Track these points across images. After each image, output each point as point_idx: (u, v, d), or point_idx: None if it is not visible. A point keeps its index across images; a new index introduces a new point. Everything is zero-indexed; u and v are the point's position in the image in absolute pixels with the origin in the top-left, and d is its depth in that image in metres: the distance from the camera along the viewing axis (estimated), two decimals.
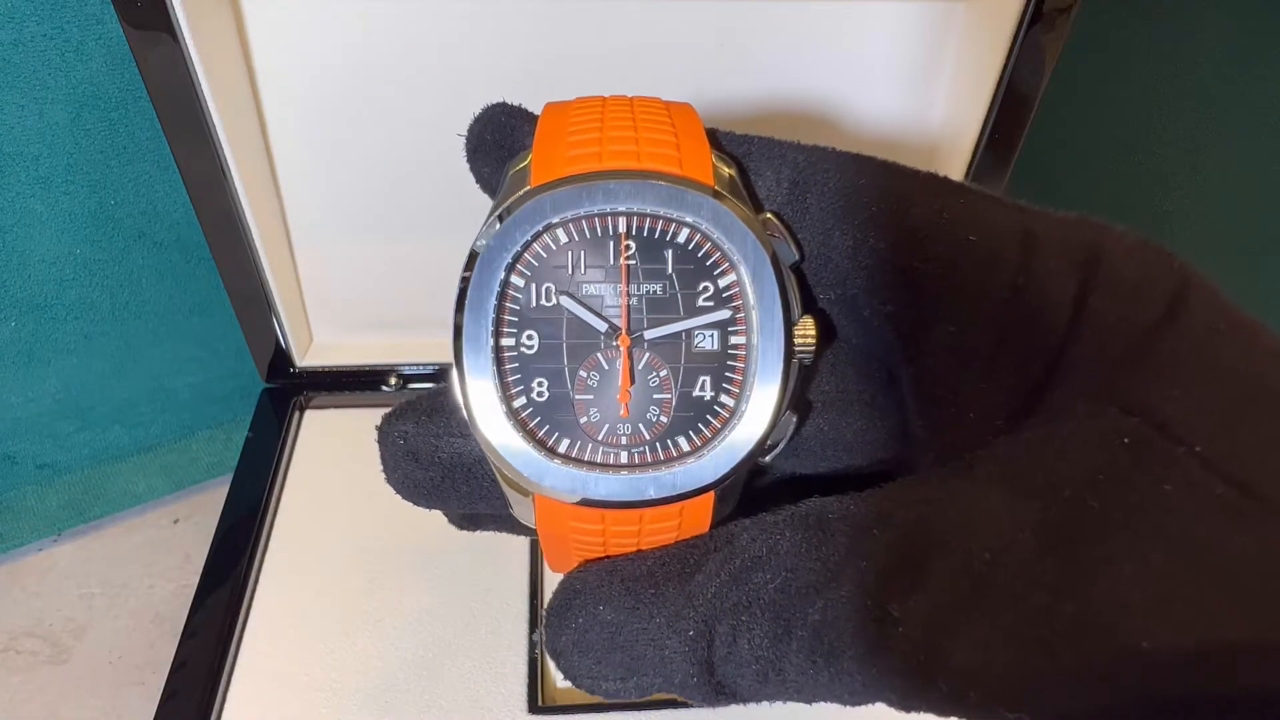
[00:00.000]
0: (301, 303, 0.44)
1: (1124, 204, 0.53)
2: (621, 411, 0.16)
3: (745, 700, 0.16)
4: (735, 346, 0.16)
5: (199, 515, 0.51)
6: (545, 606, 0.17)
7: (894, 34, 0.36)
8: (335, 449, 0.43)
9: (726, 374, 0.16)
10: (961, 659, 0.13)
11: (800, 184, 0.17)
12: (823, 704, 0.16)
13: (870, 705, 0.15)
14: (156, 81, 0.33)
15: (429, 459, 0.18)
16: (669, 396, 0.16)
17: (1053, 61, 0.35)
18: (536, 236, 0.16)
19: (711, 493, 0.16)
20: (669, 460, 0.16)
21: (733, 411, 0.16)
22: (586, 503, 0.16)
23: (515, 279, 0.16)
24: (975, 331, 0.16)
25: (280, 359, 0.44)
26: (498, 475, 0.17)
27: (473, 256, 0.16)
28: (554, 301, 0.16)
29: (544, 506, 0.16)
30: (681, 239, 0.16)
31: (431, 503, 0.19)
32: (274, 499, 0.40)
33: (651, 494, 0.16)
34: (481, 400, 0.16)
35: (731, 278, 0.16)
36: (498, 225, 0.16)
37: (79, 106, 0.37)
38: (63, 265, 0.41)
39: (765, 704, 0.16)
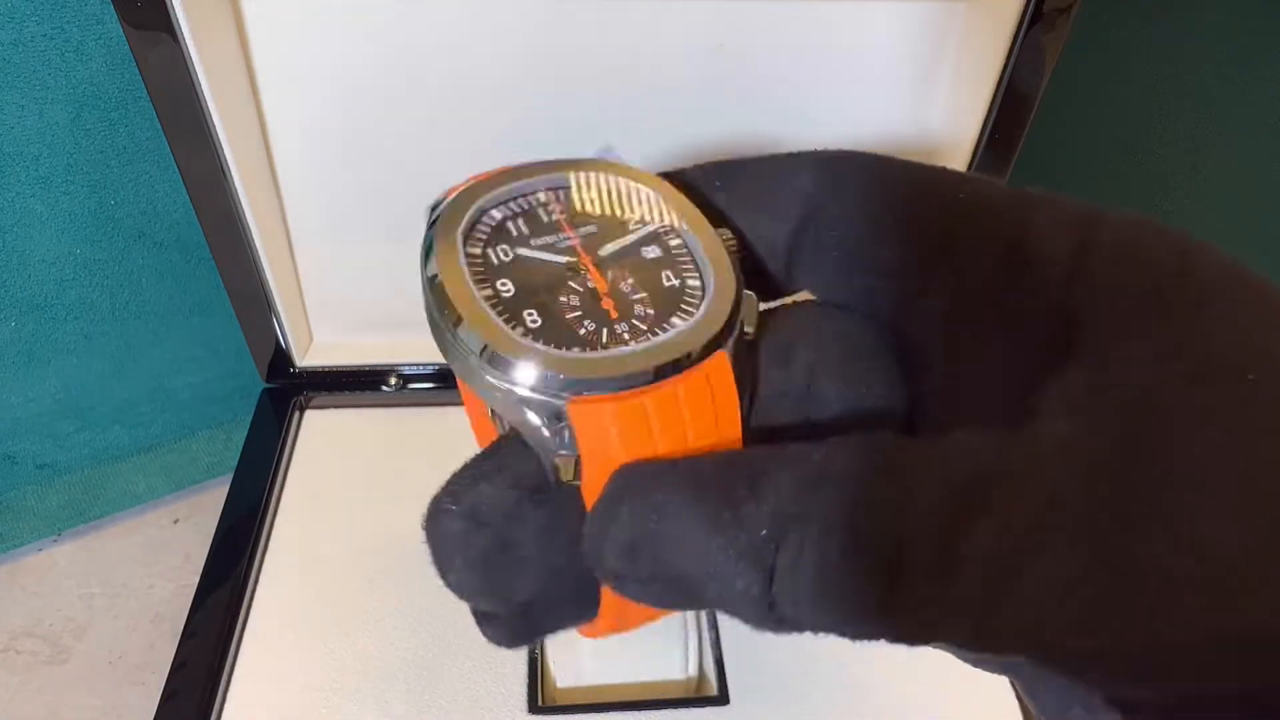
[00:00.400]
0: (301, 303, 0.44)
1: (1124, 204, 0.53)
2: (611, 314, 0.17)
3: (792, 626, 0.15)
4: (675, 247, 0.18)
5: (199, 515, 0.51)
6: (594, 503, 0.15)
7: (894, 34, 0.36)
8: (335, 449, 0.43)
9: (681, 266, 0.18)
10: (1029, 594, 0.13)
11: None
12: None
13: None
14: (156, 81, 0.33)
15: (491, 505, 0.16)
16: (645, 294, 0.18)
17: (1053, 61, 0.35)
18: (474, 222, 0.18)
19: (726, 358, 0.17)
20: (671, 331, 0.17)
21: (703, 287, 0.18)
22: (627, 383, 0.16)
23: (471, 248, 0.18)
24: (975, 282, 0.16)
25: (280, 359, 0.44)
26: (528, 417, 0.16)
27: (428, 241, 0.18)
28: (511, 256, 0.18)
29: (583, 418, 0.15)
30: (595, 193, 0.19)
31: (501, 576, 0.17)
32: (274, 499, 0.40)
33: (675, 355, 0.16)
34: (490, 330, 0.16)
35: (646, 205, 0.19)
36: (435, 224, 0.18)
37: (79, 106, 0.37)
38: (63, 265, 0.41)
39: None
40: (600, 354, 0.16)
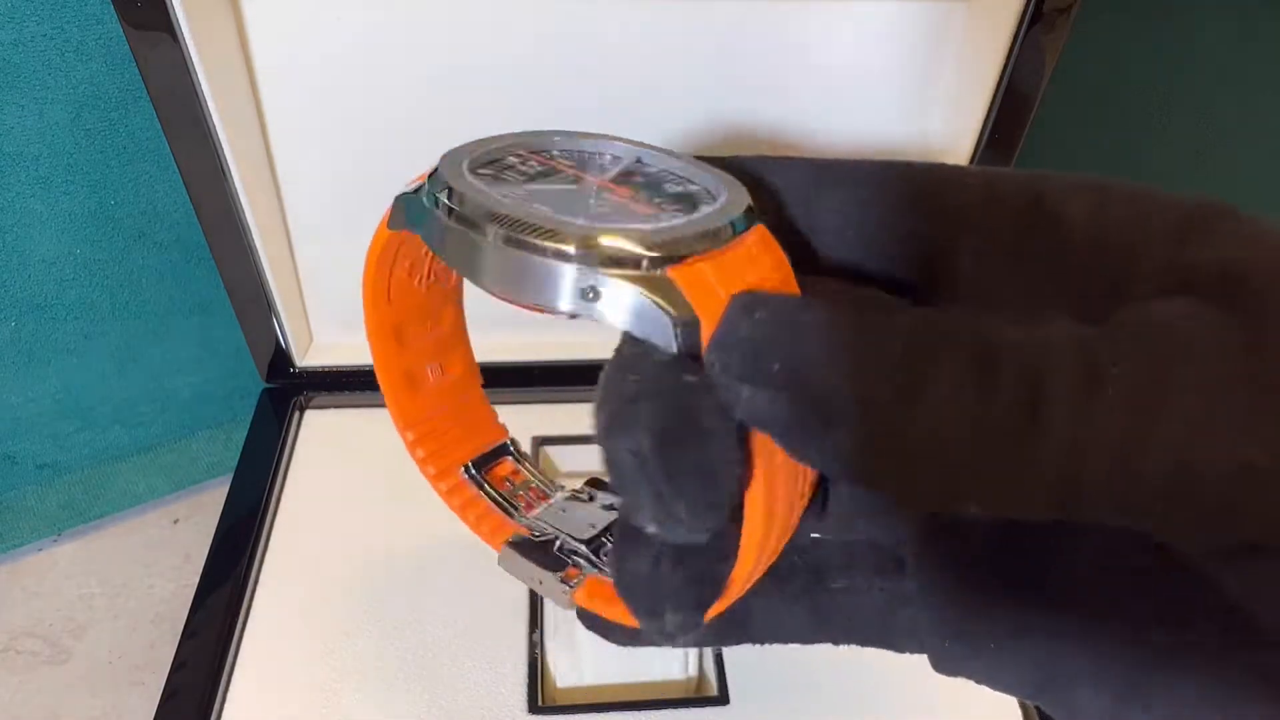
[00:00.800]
0: (301, 303, 0.44)
1: None
2: (651, 211, 0.17)
3: (906, 472, 0.14)
4: (659, 170, 0.18)
5: (199, 515, 0.51)
6: (720, 319, 0.15)
7: (893, 34, 0.36)
8: (335, 449, 0.43)
9: (676, 178, 0.18)
10: (1180, 410, 0.12)
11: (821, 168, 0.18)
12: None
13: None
14: (156, 81, 0.33)
15: (671, 391, 0.15)
16: (662, 199, 0.17)
17: (1053, 61, 0.35)
18: (473, 168, 0.18)
19: (766, 230, 0.16)
20: (710, 208, 0.17)
21: (707, 186, 0.17)
22: (704, 245, 0.15)
23: (482, 184, 0.17)
24: (999, 240, 0.16)
25: (280, 359, 0.44)
26: (640, 303, 0.15)
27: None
28: (525, 192, 0.17)
29: (691, 281, 0.15)
30: (555, 152, 0.19)
31: (711, 476, 0.15)
32: (274, 499, 0.40)
33: (729, 218, 0.16)
34: (572, 230, 0.15)
35: (611, 152, 0.19)
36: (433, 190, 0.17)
37: (79, 106, 0.37)
38: (63, 265, 0.41)
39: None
40: (672, 224, 0.16)
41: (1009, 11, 0.34)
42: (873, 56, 0.37)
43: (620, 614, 0.19)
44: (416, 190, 0.18)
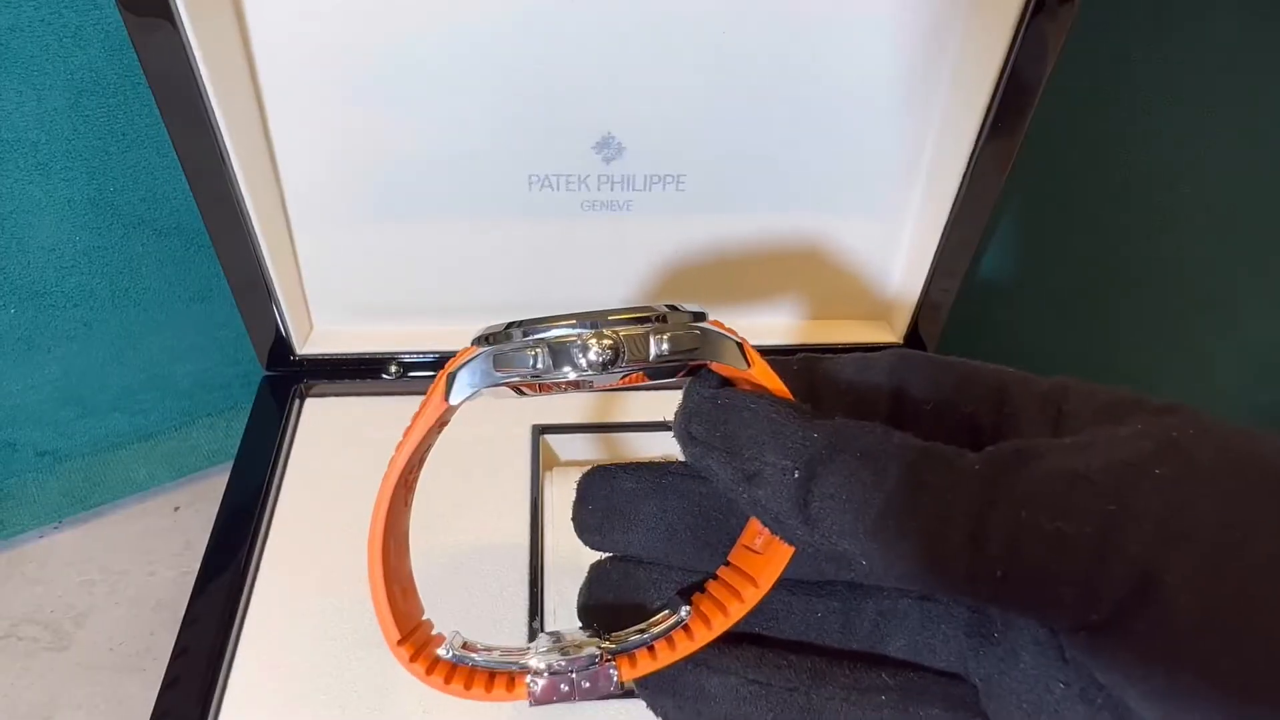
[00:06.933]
0: (302, 290, 0.44)
1: (1124, 203, 0.53)
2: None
3: (817, 531, 0.17)
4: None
5: (199, 503, 0.51)
6: (692, 386, 0.20)
7: (895, 24, 0.36)
8: (336, 437, 0.43)
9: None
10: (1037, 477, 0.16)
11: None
12: None
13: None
14: (155, 67, 0.33)
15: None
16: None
17: (1055, 53, 0.34)
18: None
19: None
20: None
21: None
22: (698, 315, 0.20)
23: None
24: (1027, 420, 0.20)
25: (280, 346, 0.44)
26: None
27: None
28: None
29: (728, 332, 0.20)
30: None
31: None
32: (274, 487, 0.40)
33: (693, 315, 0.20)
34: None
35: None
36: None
37: (78, 93, 0.37)
38: (62, 252, 0.41)
39: None
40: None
41: (1012, 2, 0.33)
42: (875, 46, 0.36)
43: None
44: (481, 354, 0.19)
